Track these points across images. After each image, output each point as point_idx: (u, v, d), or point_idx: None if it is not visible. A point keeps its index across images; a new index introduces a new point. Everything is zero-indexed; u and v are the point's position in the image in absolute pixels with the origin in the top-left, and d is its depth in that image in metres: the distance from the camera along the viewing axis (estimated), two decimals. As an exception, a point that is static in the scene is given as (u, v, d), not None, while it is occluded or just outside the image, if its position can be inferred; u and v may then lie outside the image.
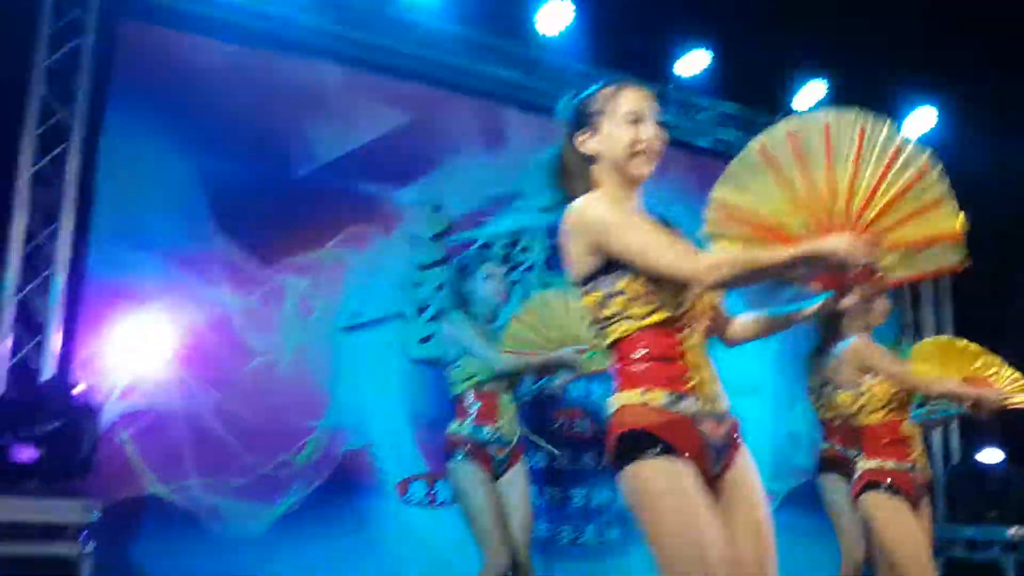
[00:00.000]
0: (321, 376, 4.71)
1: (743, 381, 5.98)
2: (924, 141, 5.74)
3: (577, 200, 1.97)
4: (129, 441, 4.21)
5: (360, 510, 4.65)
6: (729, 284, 1.84)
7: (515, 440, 3.62)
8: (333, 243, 4.86)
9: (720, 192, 1.88)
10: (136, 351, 4.29)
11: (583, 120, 2.04)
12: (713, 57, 5.86)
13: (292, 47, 4.91)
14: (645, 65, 5.92)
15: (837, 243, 1.74)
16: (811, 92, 6.31)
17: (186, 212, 4.49)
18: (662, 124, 2.04)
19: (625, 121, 1.99)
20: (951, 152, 6.68)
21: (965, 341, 3.47)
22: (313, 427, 4.65)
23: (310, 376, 4.67)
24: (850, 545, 4.07)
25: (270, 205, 4.72)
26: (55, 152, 4.27)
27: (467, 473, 3.48)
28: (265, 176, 4.73)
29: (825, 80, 6.29)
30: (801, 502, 5.96)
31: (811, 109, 6.30)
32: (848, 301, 1.86)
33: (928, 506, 3.33)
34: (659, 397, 1.85)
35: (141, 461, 4.22)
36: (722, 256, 1.83)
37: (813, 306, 1.99)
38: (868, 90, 6.44)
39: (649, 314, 1.89)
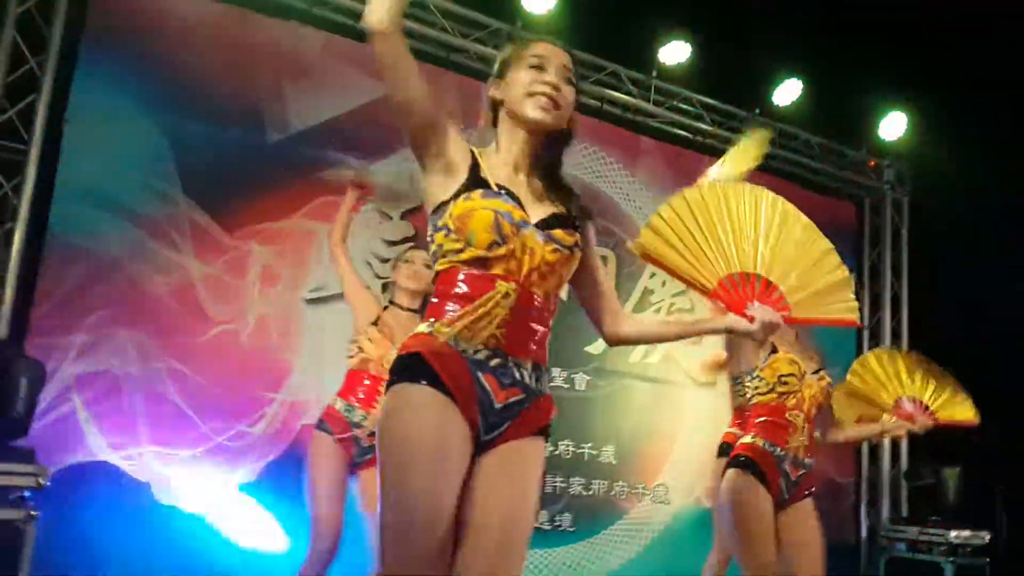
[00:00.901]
0: (282, 347, 4.65)
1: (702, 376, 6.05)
2: (895, 146, 5.83)
3: None
4: (82, 405, 4.11)
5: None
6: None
7: None
8: (302, 213, 4.76)
9: (656, 220, 1.92)
10: (93, 312, 4.18)
11: (498, 72, 2.03)
12: (693, 50, 5.85)
13: (273, 8, 4.79)
14: (628, 50, 5.91)
15: (749, 319, 1.90)
16: (787, 91, 6.34)
17: (152, 173, 4.37)
18: (575, 86, 1.99)
19: (527, 65, 1.95)
20: (921, 156, 6.86)
21: (906, 355, 3.47)
22: (271, 399, 4.58)
23: (271, 347, 4.60)
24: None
25: (239, 171, 4.61)
26: (23, 103, 4.13)
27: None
28: (236, 141, 4.62)
29: (800, 80, 6.32)
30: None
31: (788, 108, 6.34)
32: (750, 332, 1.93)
33: (810, 504, 3.18)
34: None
35: (93, 426, 4.13)
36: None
37: (714, 326, 2.02)
38: (842, 92, 6.51)
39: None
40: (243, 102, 4.66)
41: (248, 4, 4.71)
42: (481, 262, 1.82)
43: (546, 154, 1.95)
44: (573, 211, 1.95)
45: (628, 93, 5.98)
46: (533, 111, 1.92)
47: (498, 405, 1.80)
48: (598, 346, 5.65)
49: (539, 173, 1.96)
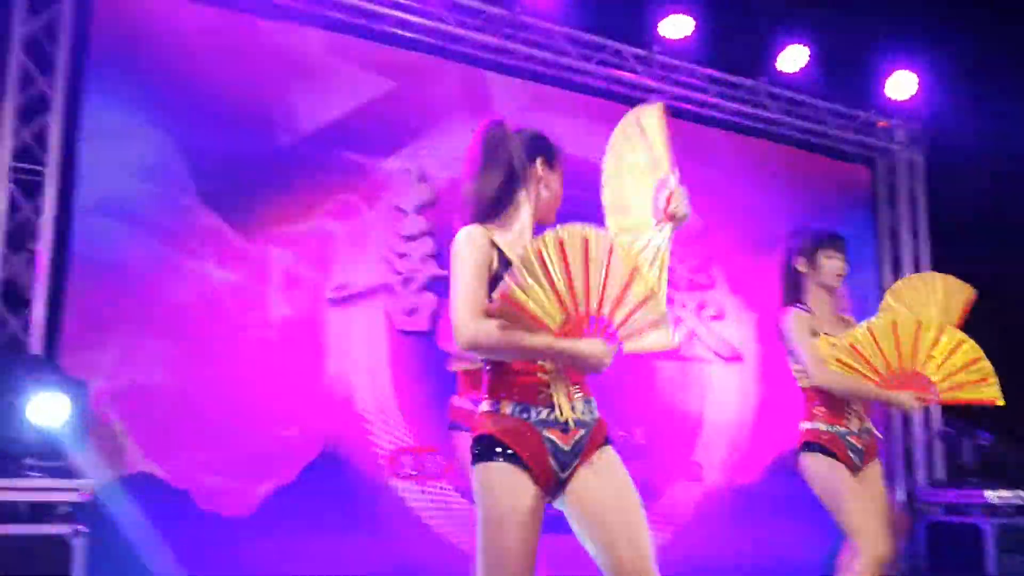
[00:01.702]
0: (309, 349, 4.67)
1: (724, 350, 6.05)
2: (905, 106, 5.80)
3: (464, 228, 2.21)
4: (116, 419, 4.16)
5: (350, 484, 4.62)
6: (483, 355, 2.17)
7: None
8: (318, 213, 4.80)
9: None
10: (122, 326, 4.23)
11: (548, 154, 2.45)
12: (696, 21, 5.82)
13: (274, 12, 4.81)
14: (629, 28, 5.90)
15: (591, 349, 2.09)
16: (793, 57, 6.29)
17: (168, 184, 4.41)
18: None
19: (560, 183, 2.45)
20: (932, 115, 6.79)
21: (913, 320, 3.19)
22: (303, 401, 4.61)
23: (298, 350, 4.63)
24: None
25: (253, 176, 4.64)
26: (36, 124, 4.19)
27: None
28: (247, 146, 4.65)
29: (804, 43, 6.28)
30: (788, 470, 6.03)
31: (794, 74, 6.30)
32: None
33: (875, 468, 3.25)
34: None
35: (130, 438, 4.17)
36: (493, 331, 2.05)
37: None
38: (849, 55, 6.47)
39: None
40: (252, 107, 4.69)
41: (248, 9, 4.73)
42: None
43: None
44: None
45: (632, 70, 5.96)
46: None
47: (566, 447, 2.14)
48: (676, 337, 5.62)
49: None
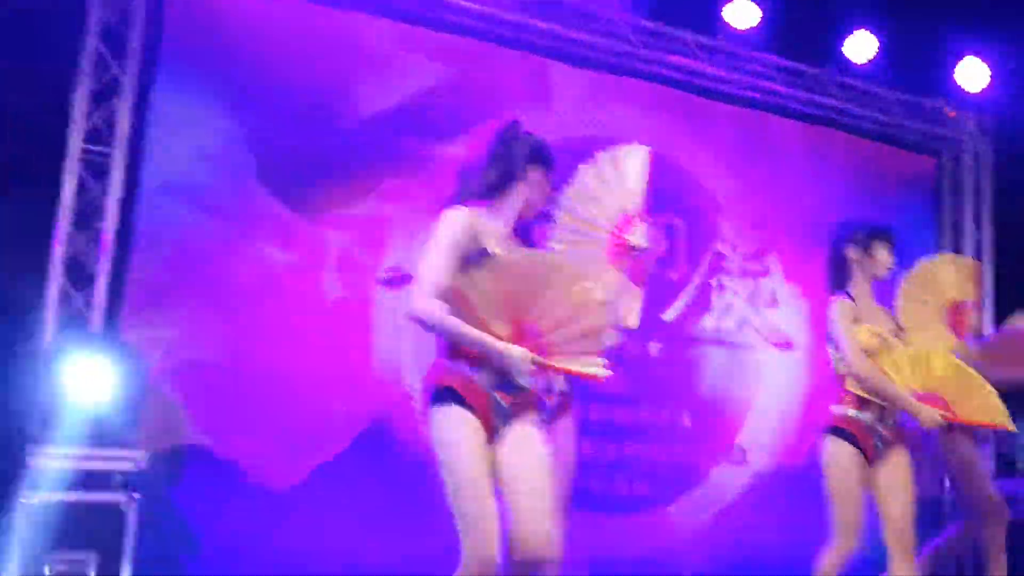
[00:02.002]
0: (362, 329, 4.78)
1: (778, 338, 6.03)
2: (975, 97, 5.66)
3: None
4: (174, 393, 4.32)
5: (397, 459, 4.74)
6: (424, 329, 2.44)
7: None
8: (374, 197, 4.88)
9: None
10: (182, 305, 4.38)
11: (546, 164, 2.70)
12: (762, 9, 5.72)
13: (341, 1, 4.87)
14: (694, 16, 5.82)
15: (518, 355, 2.34)
16: (861, 45, 6.16)
17: (232, 169, 4.52)
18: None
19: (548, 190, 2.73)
20: (1001, 106, 6.60)
21: (945, 356, 3.39)
22: (352, 379, 4.74)
23: (352, 329, 4.74)
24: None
25: (313, 160, 4.73)
26: (107, 108, 4.32)
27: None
28: (310, 132, 4.73)
29: (872, 30, 6.14)
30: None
31: (860, 62, 6.17)
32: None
33: (901, 457, 3.32)
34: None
35: (185, 411, 4.34)
36: (437, 312, 2.37)
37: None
38: (918, 43, 6.30)
39: None
40: (315, 94, 4.77)
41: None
42: None
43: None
44: None
45: (696, 58, 5.88)
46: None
47: (505, 405, 2.46)
48: (671, 313, 5.67)
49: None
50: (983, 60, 6.43)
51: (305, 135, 4.72)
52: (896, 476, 3.30)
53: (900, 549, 3.26)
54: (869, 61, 6.14)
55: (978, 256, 6.94)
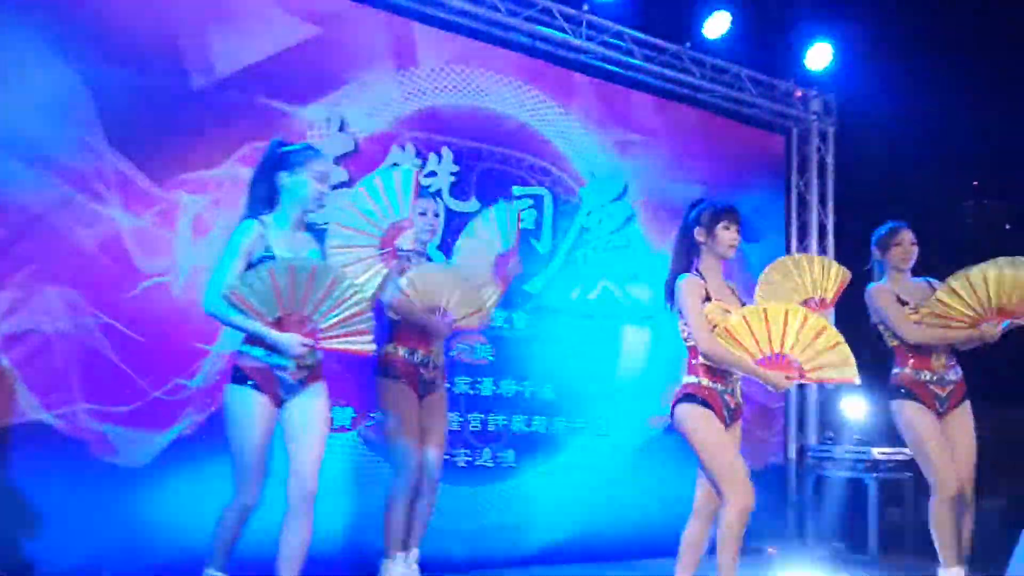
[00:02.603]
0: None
1: (638, 311, 6.16)
2: (821, 76, 5.99)
3: None
4: (11, 365, 4.00)
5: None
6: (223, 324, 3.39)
7: (441, 364, 4.18)
8: (231, 160, 4.63)
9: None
10: (20, 269, 4.04)
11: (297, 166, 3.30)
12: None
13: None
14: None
15: (280, 339, 3.11)
16: (717, 23, 6.36)
17: (74, 122, 4.17)
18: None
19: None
20: (846, 86, 6.97)
21: (784, 308, 3.48)
22: (207, 351, 4.51)
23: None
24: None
25: (165, 118, 4.43)
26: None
27: (398, 391, 4.00)
28: (160, 87, 4.43)
29: (728, 11, 6.34)
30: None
31: (717, 40, 6.36)
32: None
33: (738, 428, 3.55)
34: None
35: (24, 386, 4.02)
36: (223, 308, 3.14)
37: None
38: (771, 24, 6.56)
39: None
40: (165, 46, 4.47)
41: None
42: None
43: None
44: None
45: (560, 29, 5.91)
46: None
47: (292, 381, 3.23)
48: (535, 284, 5.70)
49: None
50: (829, 42, 6.76)
51: (156, 91, 4.42)
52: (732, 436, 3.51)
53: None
54: (723, 38, 6.35)
55: (821, 231, 7.33)
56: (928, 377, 4.09)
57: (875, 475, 6.40)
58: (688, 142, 6.55)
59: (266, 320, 3.05)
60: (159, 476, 4.29)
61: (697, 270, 3.55)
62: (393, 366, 4.01)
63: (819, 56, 6.83)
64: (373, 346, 3.19)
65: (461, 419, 5.31)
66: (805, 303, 3.95)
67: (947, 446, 4.02)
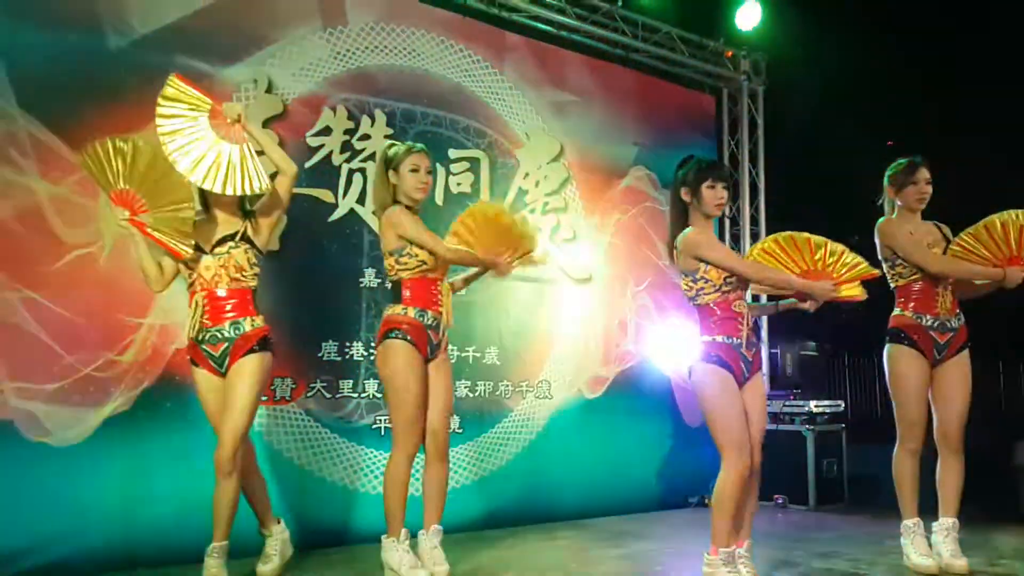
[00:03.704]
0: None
1: (577, 273, 6.14)
2: (751, 36, 6.01)
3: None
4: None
5: (192, 409, 4.38)
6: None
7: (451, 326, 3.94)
8: (153, 124, 4.41)
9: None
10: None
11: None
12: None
13: None
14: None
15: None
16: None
17: (-19, 85, 3.95)
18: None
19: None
20: (776, 46, 7.02)
21: (806, 235, 3.66)
22: (139, 324, 4.33)
23: (133, 270, 4.29)
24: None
25: (82, 80, 4.22)
26: None
27: (405, 352, 3.71)
28: (75, 47, 4.22)
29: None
30: (628, 385, 6.27)
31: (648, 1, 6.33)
32: None
33: (759, 379, 3.61)
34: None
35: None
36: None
37: None
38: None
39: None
40: (79, 3, 4.25)
41: None
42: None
43: None
44: None
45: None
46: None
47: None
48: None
49: None
50: (759, 1, 6.80)
51: (70, 51, 4.20)
52: (756, 399, 3.57)
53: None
54: (655, -2, 6.34)
55: (753, 191, 7.40)
56: (930, 322, 4.01)
57: (812, 428, 6.53)
58: (622, 103, 6.53)
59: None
60: (93, 455, 4.11)
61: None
62: (400, 327, 3.73)
63: (749, 16, 6.87)
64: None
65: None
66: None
67: (925, 398, 4.02)
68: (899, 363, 4.05)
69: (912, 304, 4.06)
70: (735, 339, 3.47)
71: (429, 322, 3.79)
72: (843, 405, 7.06)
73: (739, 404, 3.45)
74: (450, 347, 5.43)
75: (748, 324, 3.51)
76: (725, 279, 3.46)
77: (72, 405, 4.10)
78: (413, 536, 3.82)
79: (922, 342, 4.01)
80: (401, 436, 3.69)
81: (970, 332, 4.11)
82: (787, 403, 6.88)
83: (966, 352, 4.08)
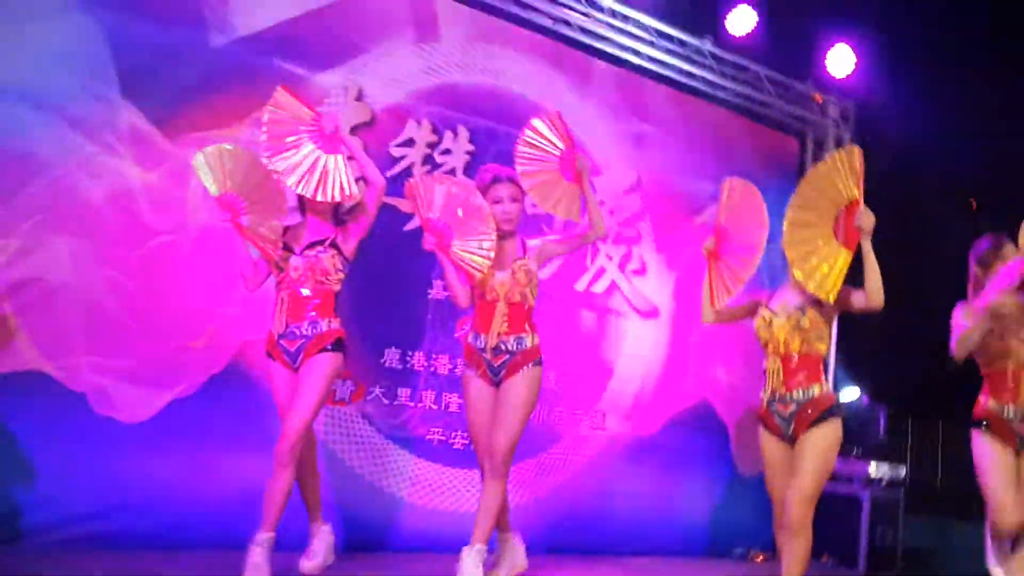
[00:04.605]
0: (226, 262, 4.47)
1: (643, 306, 6.11)
2: (842, 83, 5.86)
3: None
4: (13, 313, 3.95)
5: (254, 401, 4.48)
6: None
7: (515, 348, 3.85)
8: (246, 122, 4.57)
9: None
10: (27, 218, 3.99)
11: None
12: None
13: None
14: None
15: None
16: (741, 20, 6.34)
17: (88, 73, 4.14)
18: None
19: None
20: (865, 95, 6.94)
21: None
22: (213, 313, 4.46)
23: (214, 261, 4.44)
24: None
25: (182, 75, 4.39)
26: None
27: (466, 378, 3.92)
28: (179, 43, 4.39)
29: (752, 8, 6.32)
30: (685, 426, 6.19)
31: (739, 38, 6.31)
32: None
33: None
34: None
35: (26, 334, 3.97)
36: None
37: None
38: (795, 24, 6.53)
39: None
40: (186, 1, 4.43)
41: None
42: None
43: None
44: None
45: (581, 13, 5.86)
46: None
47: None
48: (543, 273, 5.63)
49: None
50: (852, 48, 6.72)
51: (174, 46, 4.38)
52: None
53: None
54: (747, 36, 6.31)
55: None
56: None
57: (869, 492, 6.34)
58: (702, 138, 6.50)
59: None
60: (157, 434, 4.23)
61: None
62: (465, 353, 3.96)
63: (841, 60, 6.78)
64: None
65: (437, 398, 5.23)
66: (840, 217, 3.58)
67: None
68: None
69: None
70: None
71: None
72: (904, 472, 6.84)
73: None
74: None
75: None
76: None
77: (142, 384, 4.23)
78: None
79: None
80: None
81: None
82: (846, 463, 6.67)
83: None
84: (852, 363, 7.98)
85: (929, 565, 6.52)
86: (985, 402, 4.04)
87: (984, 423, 4.00)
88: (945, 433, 10.56)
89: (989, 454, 3.96)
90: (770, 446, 3.64)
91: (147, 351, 4.26)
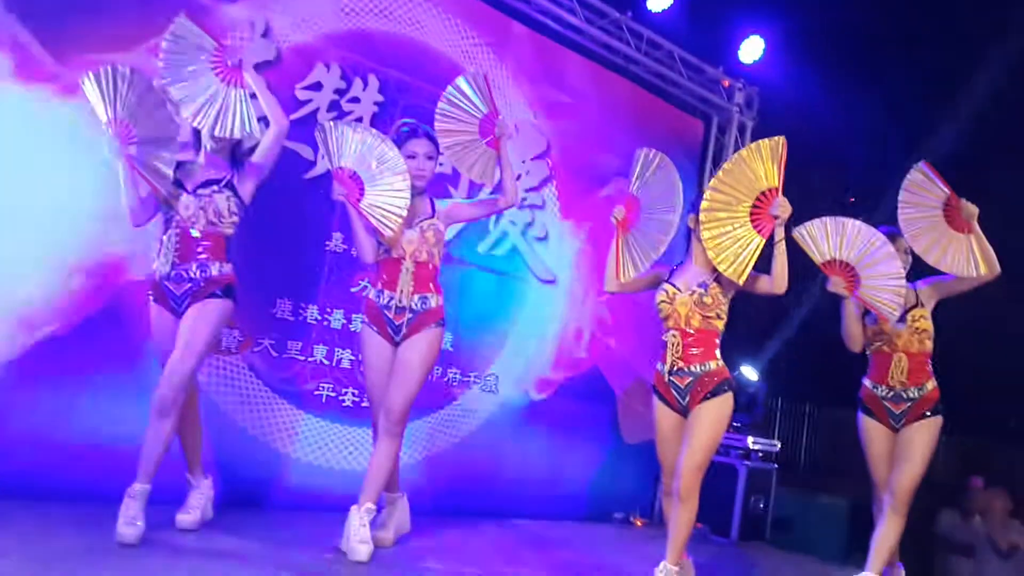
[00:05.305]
0: (103, 197, 4.17)
1: (542, 272, 6.10)
2: (750, 70, 5.96)
3: None
4: None
5: (129, 346, 4.22)
6: None
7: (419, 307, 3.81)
8: (142, 48, 4.28)
9: None
10: None
11: None
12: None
13: None
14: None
15: None
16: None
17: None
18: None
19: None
20: (777, 81, 7.08)
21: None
22: (94, 249, 4.18)
23: (89, 196, 4.14)
24: None
25: (76, -8, 4.08)
26: None
27: (366, 335, 3.83)
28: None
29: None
30: (574, 393, 6.24)
31: (657, 15, 6.30)
32: None
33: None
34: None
35: None
36: None
37: None
38: (711, 9, 6.59)
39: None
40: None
41: None
42: None
43: None
44: None
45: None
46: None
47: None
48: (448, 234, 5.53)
49: None
50: (762, 37, 6.83)
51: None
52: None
53: None
54: (664, 14, 6.33)
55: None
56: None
57: (746, 463, 6.57)
58: (614, 112, 6.51)
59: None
60: (23, 376, 3.95)
61: None
62: (365, 309, 3.89)
63: (752, 50, 6.90)
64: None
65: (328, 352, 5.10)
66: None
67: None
68: None
69: None
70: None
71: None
72: (779, 445, 7.12)
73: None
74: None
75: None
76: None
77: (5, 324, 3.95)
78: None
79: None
80: None
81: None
82: (725, 436, 6.90)
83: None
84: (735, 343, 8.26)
85: (793, 532, 6.84)
86: (864, 383, 4.28)
87: (861, 401, 4.26)
88: (811, 414, 11.28)
89: (865, 431, 4.23)
90: (664, 416, 3.71)
91: (12, 290, 3.96)
